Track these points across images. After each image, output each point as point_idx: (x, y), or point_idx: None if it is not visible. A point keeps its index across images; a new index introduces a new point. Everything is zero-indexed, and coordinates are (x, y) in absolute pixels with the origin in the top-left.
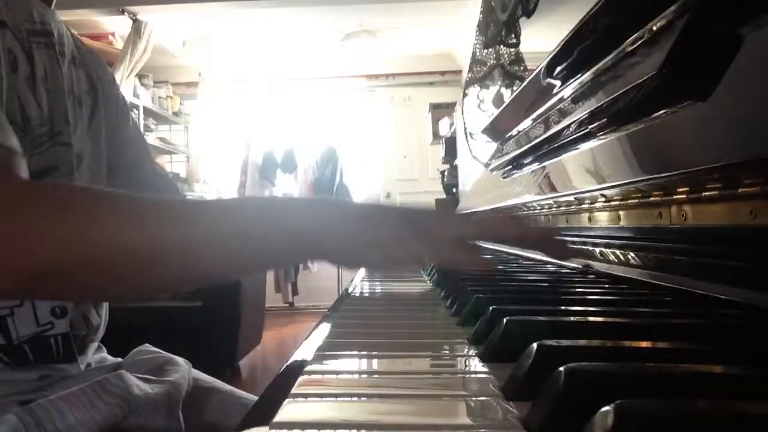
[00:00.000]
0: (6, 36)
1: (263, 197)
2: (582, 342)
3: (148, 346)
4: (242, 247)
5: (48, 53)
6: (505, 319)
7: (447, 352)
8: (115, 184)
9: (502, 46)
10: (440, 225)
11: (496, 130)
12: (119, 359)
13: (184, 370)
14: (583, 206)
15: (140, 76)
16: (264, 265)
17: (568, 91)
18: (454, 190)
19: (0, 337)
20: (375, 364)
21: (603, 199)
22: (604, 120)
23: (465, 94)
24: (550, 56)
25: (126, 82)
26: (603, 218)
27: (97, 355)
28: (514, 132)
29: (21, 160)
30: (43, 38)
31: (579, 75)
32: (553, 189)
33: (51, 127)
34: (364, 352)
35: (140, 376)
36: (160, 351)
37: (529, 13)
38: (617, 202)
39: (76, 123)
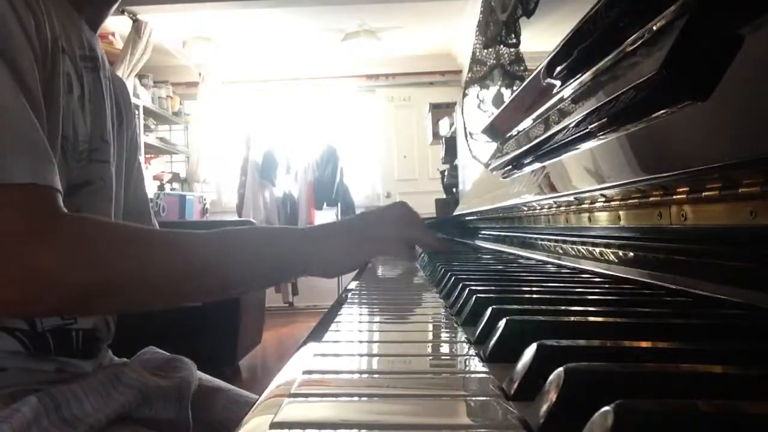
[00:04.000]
0: (65, 61)
1: (261, 228)
2: (582, 342)
3: (153, 348)
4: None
5: (94, 76)
6: (505, 319)
7: (447, 352)
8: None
9: (502, 46)
10: (384, 229)
11: (496, 130)
12: (125, 359)
13: (191, 369)
14: (583, 206)
15: (140, 76)
16: (264, 283)
17: (568, 91)
18: (454, 190)
19: (24, 324)
20: (375, 364)
21: (603, 199)
22: (604, 120)
23: (465, 94)
24: (550, 56)
25: (126, 82)
26: (603, 218)
27: (104, 357)
28: (514, 132)
29: (60, 197)
30: (90, 62)
31: (579, 75)
32: (553, 189)
33: (89, 144)
34: (364, 352)
35: (152, 371)
36: (166, 353)
37: (529, 13)
38: (617, 202)
39: (111, 142)
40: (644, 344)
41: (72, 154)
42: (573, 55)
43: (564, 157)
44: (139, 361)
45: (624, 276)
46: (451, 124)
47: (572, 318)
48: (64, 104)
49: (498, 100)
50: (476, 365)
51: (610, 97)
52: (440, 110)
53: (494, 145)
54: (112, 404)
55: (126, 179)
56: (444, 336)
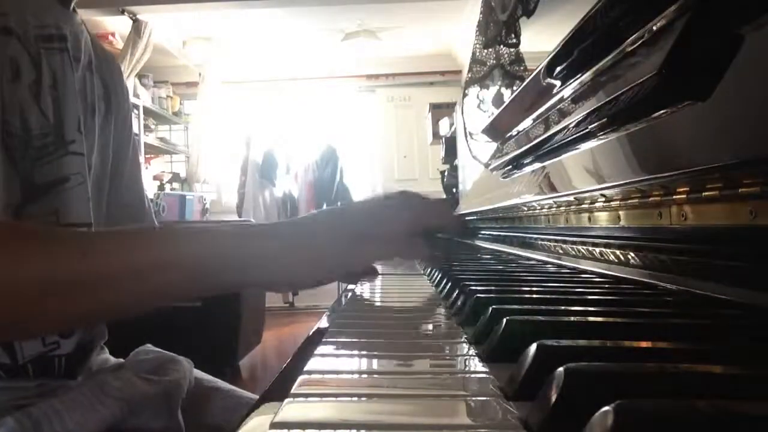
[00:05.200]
0: (10, 44)
1: (191, 226)
2: (582, 342)
3: (149, 346)
4: (164, 277)
5: (61, 58)
6: (505, 319)
7: (447, 352)
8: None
9: (502, 46)
10: (386, 221)
11: (496, 130)
12: (121, 360)
13: (185, 370)
14: (583, 206)
15: (140, 76)
16: (189, 295)
17: (568, 91)
18: (454, 190)
19: (5, 356)
20: (375, 364)
21: (603, 199)
22: (604, 120)
23: (465, 94)
24: (550, 56)
25: (126, 82)
26: (603, 218)
27: (99, 356)
28: (514, 132)
29: None
30: (57, 43)
31: (579, 75)
32: (553, 189)
33: (60, 135)
34: (364, 352)
35: (140, 375)
36: (162, 351)
37: (529, 13)
38: (617, 202)
39: (88, 132)
40: (644, 344)
41: (24, 152)
42: (573, 55)
43: (564, 157)
44: (133, 363)
45: (624, 276)
46: (451, 124)
47: (572, 318)
48: (6, 95)
49: (498, 100)
50: (476, 365)
51: (610, 97)
52: (440, 110)
53: (494, 145)
54: (95, 418)
55: (116, 170)
56: (444, 336)
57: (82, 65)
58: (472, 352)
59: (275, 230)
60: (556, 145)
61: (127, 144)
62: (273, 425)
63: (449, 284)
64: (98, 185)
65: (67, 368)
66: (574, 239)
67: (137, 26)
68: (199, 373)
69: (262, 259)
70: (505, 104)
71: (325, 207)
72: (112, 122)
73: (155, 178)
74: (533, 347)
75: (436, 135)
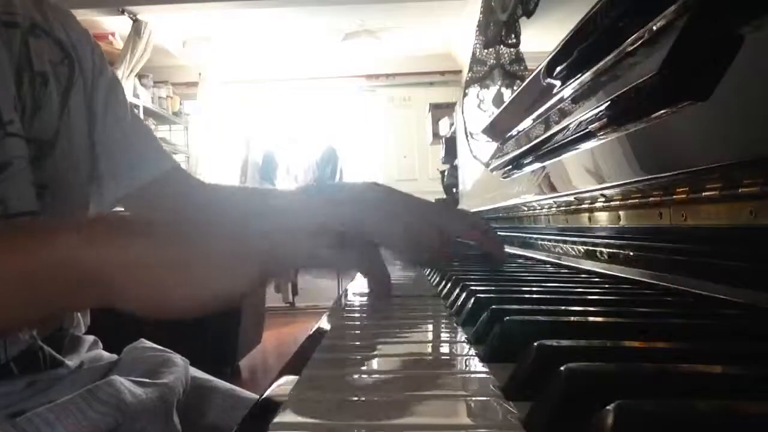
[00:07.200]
0: None
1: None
2: (582, 342)
3: (144, 342)
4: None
5: None
6: (505, 319)
7: (447, 352)
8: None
9: (502, 46)
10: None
11: (496, 130)
12: (115, 356)
13: (180, 370)
14: (583, 206)
15: (140, 76)
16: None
17: (568, 91)
18: (454, 190)
19: None
20: (375, 364)
21: (603, 199)
22: (604, 120)
23: (465, 94)
24: (550, 56)
25: (126, 82)
26: (603, 218)
27: (92, 352)
28: (514, 132)
29: None
30: None
31: (579, 75)
32: (553, 189)
33: None
34: (364, 352)
35: (134, 379)
36: (157, 347)
37: (529, 13)
38: (617, 202)
39: (38, 106)
40: (644, 344)
41: None
42: (573, 55)
43: (564, 157)
44: (126, 362)
45: (624, 276)
46: (451, 124)
47: (572, 318)
48: None
49: (498, 100)
50: (476, 365)
51: (610, 97)
52: (440, 110)
53: (494, 145)
54: (88, 426)
55: (94, 141)
56: (444, 336)
57: (21, 31)
58: (472, 352)
59: (156, 229)
60: (556, 145)
61: (101, 89)
62: (273, 426)
63: (449, 284)
64: (68, 164)
65: (51, 357)
66: (574, 239)
67: (137, 26)
68: (195, 372)
69: (119, 269)
70: (505, 104)
71: None
72: (80, 83)
73: None
74: (533, 347)
75: (436, 135)
